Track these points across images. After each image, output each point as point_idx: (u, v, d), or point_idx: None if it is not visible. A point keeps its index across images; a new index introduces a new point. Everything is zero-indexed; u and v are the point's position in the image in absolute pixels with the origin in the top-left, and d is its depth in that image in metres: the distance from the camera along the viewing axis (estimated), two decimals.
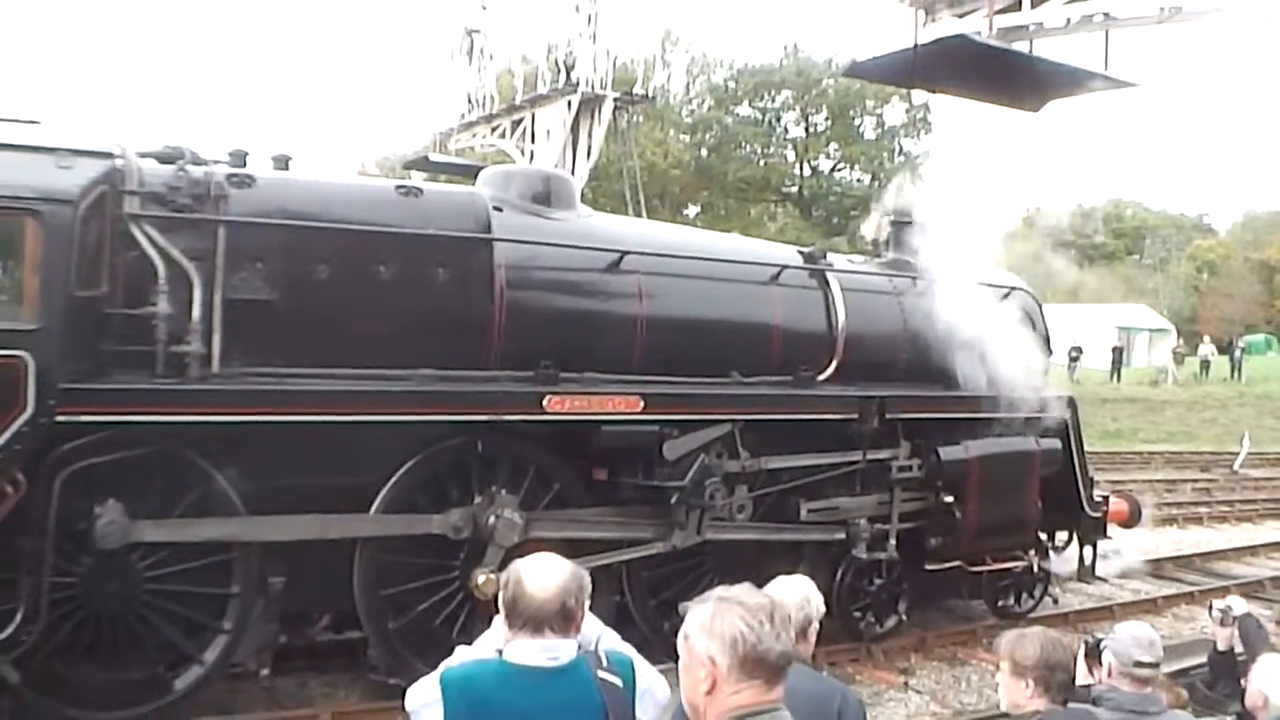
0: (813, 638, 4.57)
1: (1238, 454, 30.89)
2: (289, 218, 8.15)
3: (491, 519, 8.55)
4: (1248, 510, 23.51)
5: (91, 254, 7.25)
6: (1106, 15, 11.00)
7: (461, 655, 3.81)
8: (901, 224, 12.69)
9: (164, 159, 8.00)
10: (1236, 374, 49.69)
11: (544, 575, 3.57)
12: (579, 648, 3.60)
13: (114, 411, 7.23)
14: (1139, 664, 4.79)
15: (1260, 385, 47.80)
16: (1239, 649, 6.88)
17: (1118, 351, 48.24)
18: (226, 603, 7.98)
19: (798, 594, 4.53)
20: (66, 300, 7.03)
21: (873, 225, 12.96)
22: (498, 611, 3.67)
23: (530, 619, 3.52)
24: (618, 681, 3.50)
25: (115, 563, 7.46)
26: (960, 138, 11.72)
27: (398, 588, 8.55)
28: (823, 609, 4.63)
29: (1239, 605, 7.09)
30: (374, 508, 8.34)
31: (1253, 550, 18.62)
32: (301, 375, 7.90)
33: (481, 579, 8.40)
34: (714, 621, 2.75)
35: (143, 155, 7.91)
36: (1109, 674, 4.89)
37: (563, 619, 3.53)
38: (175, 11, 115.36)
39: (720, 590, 2.87)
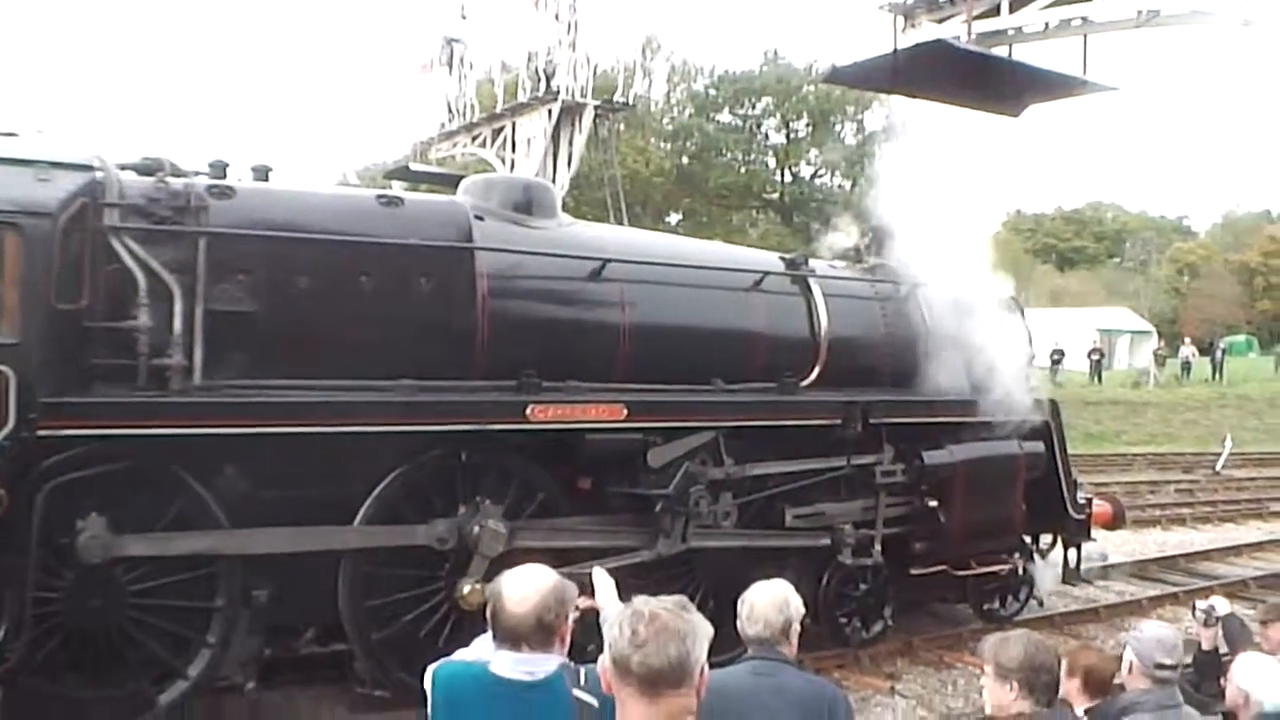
0: (795, 640, 4.57)
1: (1220, 455, 31.01)
2: (270, 229, 8.13)
3: (476, 529, 8.52)
4: (1230, 510, 23.59)
5: (72, 267, 7.22)
6: (1085, 20, 11.08)
7: (462, 654, 3.84)
8: (883, 228, 12.71)
9: (144, 171, 7.98)
10: (1218, 375, 49.94)
11: (522, 590, 3.56)
12: (561, 662, 3.59)
13: (96, 425, 7.19)
14: (1160, 665, 4.94)
15: (1241, 386, 48.09)
16: (1223, 649, 6.89)
17: (1097, 354, 48.38)
18: (211, 616, 7.94)
19: (775, 598, 4.54)
20: (47, 314, 7.01)
21: (838, 238, 12.94)
22: (485, 621, 3.68)
23: (508, 633, 3.54)
24: (593, 701, 3.48)
25: (99, 577, 7.42)
26: (941, 142, 11.74)
27: (383, 599, 8.52)
28: (802, 610, 4.63)
29: (1222, 606, 7.11)
30: (358, 519, 8.31)
31: (1236, 550, 18.71)
32: (284, 387, 7.86)
33: (467, 590, 8.37)
34: (610, 625, 2.80)
35: (122, 167, 7.90)
36: (1129, 671, 4.99)
37: (540, 634, 3.52)
38: (154, 22, 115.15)
39: (642, 597, 2.87)
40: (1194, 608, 7.39)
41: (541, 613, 3.52)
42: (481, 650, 3.76)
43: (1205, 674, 6.50)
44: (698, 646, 2.76)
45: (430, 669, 3.73)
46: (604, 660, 2.79)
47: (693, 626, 2.78)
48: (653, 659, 2.68)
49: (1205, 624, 7.10)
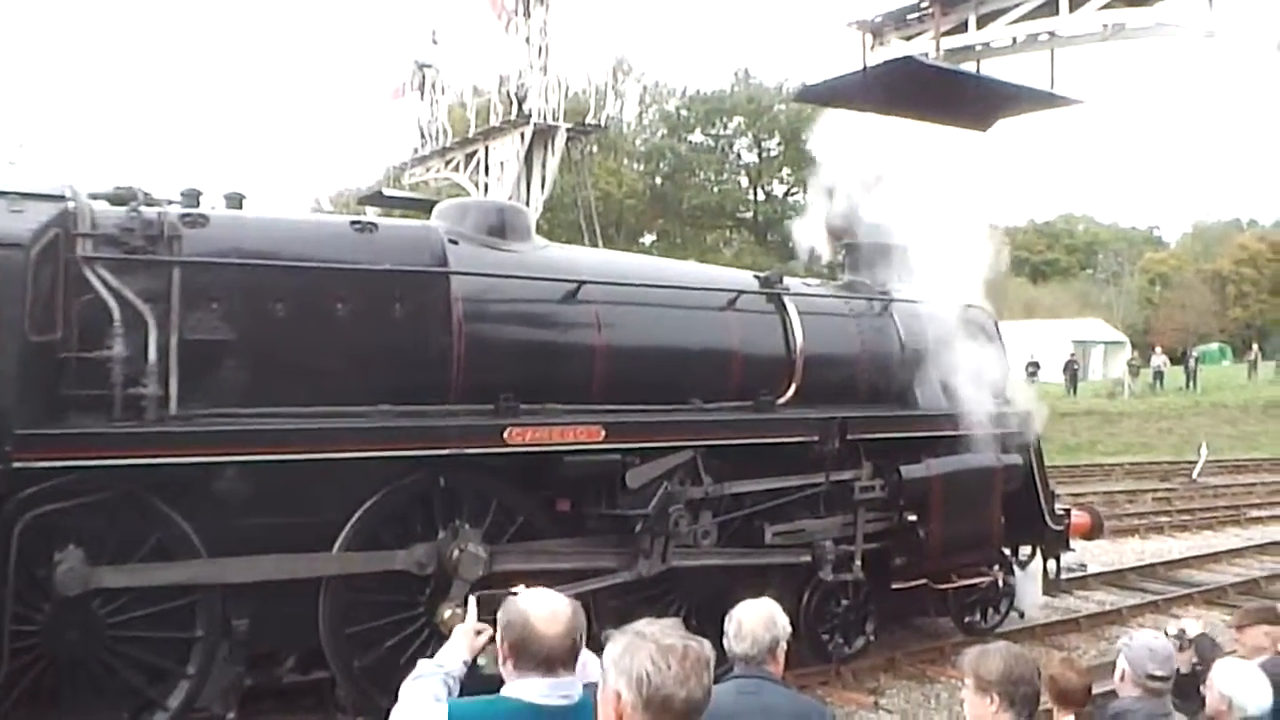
0: (781, 658, 4.58)
1: (1196, 463, 31.18)
2: (244, 256, 8.10)
3: (455, 553, 8.49)
4: (1208, 518, 23.74)
5: (45, 298, 7.18)
6: (1051, 34, 11.14)
7: (424, 668, 3.75)
8: (856, 245, 12.78)
9: (116, 200, 7.96)
10: (1192, 384, 50.22)
11: (552, 613, 3.46)
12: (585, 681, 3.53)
13: (71, 456, 7.13)
14: (1151, 676, 5.02)
15: (1215, 394, 48.38)
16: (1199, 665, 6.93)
17: (1072, 365, 48.58)
18: (190, 647, 7.89)
19: (763, 616, 4.55)
20: (21, 345, 6.97)
21: (807, 247, 12.98)
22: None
23: (544, 659, 3.41)
24: None
25: (76, 609, 7.37)
26: (915, 157, 11.80)
27: (363, 625, 8.48)
28: (789, 629, 4.64)
29: (1193, 627, 7.13)
30: (337, 545, 8.27)
31: (1214, 557, 18.82)
32: (261, 414, 7.83)
33: (448, 614, 8.33)
34: (624, 657, 2.74)
35: (94, 197, 7.88)
36: (1121, 679, 5.01)
37: (572, 656, 3.44)
38: (124, 49, 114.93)
39: (642, 624, 2.84)
40: (1165, 632, 7.42)
41: (574, 634, 3.44)
42: (450, 664, 3.74)
43: (1185, 694, 6.53)
44: (712, 670, 2.77)
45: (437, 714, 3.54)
46: (623, 695, 2.72)
47: (708, 650, 2.78)
48: (695, 692, 2.69)
49: (1180, 648, 7.13)
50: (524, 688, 3.40)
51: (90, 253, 7.50)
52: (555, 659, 3.40)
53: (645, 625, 2.83)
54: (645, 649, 2.72)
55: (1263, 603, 10.31)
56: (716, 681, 4.17)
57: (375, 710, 8.34)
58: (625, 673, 2.71)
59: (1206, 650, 6.99)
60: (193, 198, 8.39)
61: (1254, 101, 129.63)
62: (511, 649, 3.45)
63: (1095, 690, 5.18)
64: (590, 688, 3.44)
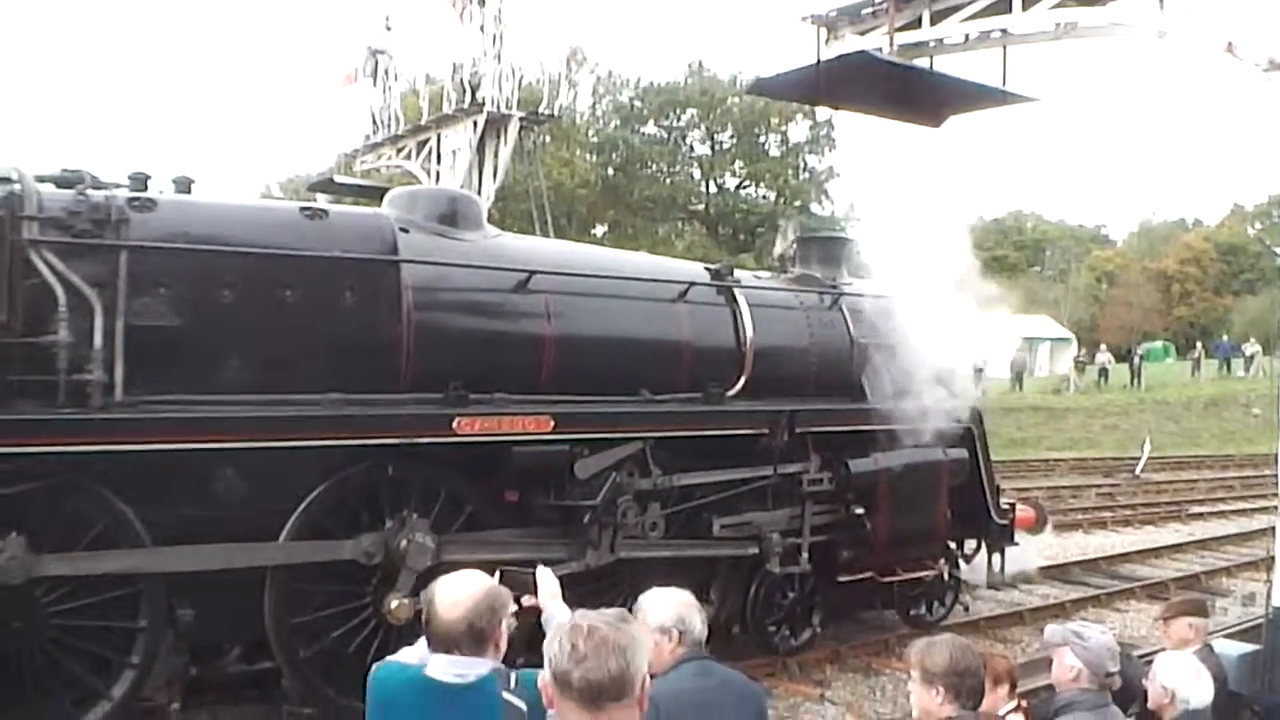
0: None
1: (1139, 459, 31.54)
2: (192, 242, 8.02)
3: (403, 543, 8.45)
4: (1150, 513, 24.04)
5: None
6: (1004, 31, 11.20)
7: (405, 654, 3.88)
8: (808, 239, 12.83)
9: (63, 183, 7.85)
10: (1136, 381, 50.77)
11: (454, 596, 3.64)
12: (494, 666, 3.63)
13: (14, 443, 7.03)
14: (1109, 674, 5.06)
15: (1159, 391, 48.99)
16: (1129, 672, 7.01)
17: (1018, 361, 48.92)
18: (134, 636, 7.81)
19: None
20: None
21: (780, 243, 13.08)
22: (414, 634, 3.71)
23: (441, 638, 3.61)
24: (521, 704, 3.53)
25: (18, 598, 7.27)
26: (865, 153, 11.86)
27: (310, 616, 8.42)
28: (695, 607, 4.61)
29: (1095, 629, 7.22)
30: (283, 535, 8.21)
31: (1156, 552, 19.10)
32: (208, 402, 7.76)
33: (394, 604, 8.31)
34: (549, 638, 2.84)
35: (40, 180, 7.76)
36: (1076, 679, 5.04)
37: (472, 639, 3.60)
38: (72, 31, 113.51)
39: (583, 610, 2.92)
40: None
41: (473, 618, 3.59)
42: (422, 652, 3.80)
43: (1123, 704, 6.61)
44: (638, 658, 2.78)
45: (372, 669, 3.79)
46: (544, 674, 2.82)
47: (632, 639, 2.80)
48: (593, 673, 2.70)
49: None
50: (430, 662, 3.63)
51: (36, 236, 7.38)
52: (452, 639, 3.60)
53: (581, 611, 2.88)
54: (560, 631, 2.80)
55: (1187, 595, 10.49)
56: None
57: (321, 700, 8.32)
58: (547, 654, 2.81)
59: (1130, 666, 7.09)
60: (141, 182, 8.28)
61: (1202, 102, 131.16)
62: (424, 625, 3.71)
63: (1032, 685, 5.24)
64: (499, 671, 3.56)
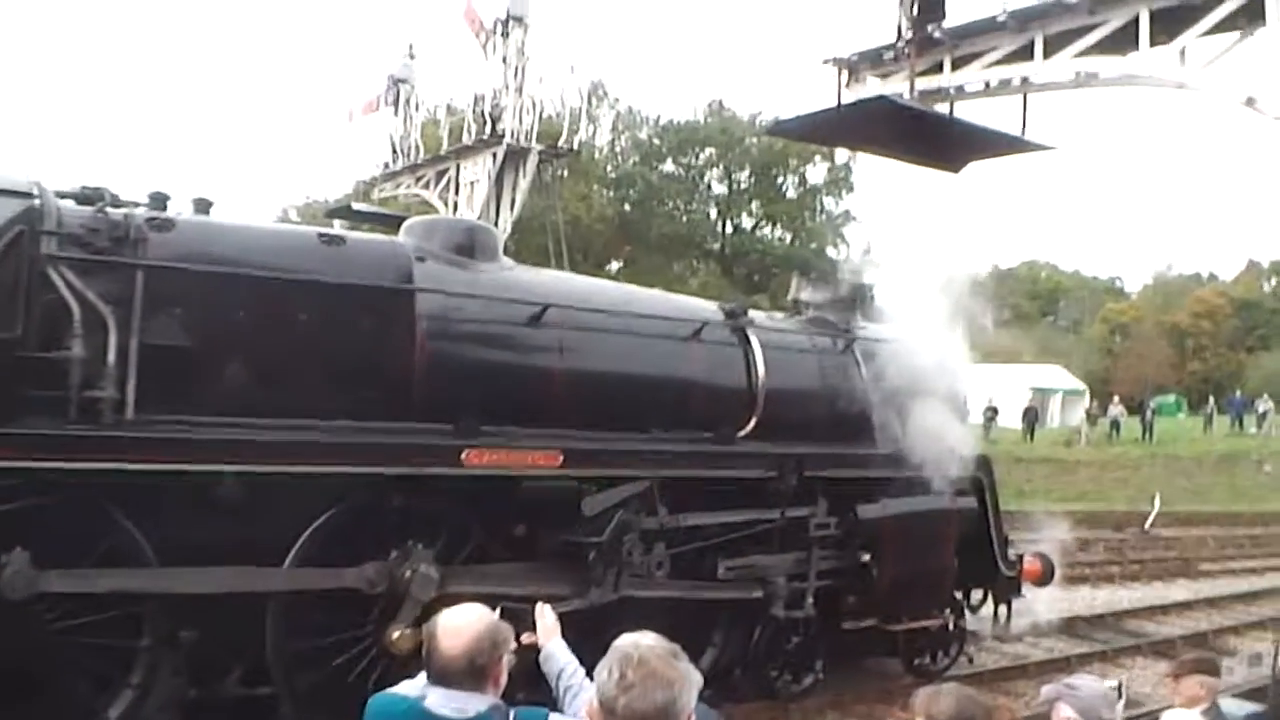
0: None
1: (1149, 513, 31.38)
2: (209, 263, 8.03)
3: (407, 573, 8.41)
4: (1158, 569, 23.88)
5: (6, 295, 7.07)
6: (1024, 80, 11.24)
7: (406, 687, 3.83)
8: (823, 281, 12.82)
9: (83, 200, 7.87)
10: (1148, 435, 50.55)
11: (456, 631, 3.61)
12: (492, 703, 3.60)
13: (23, 458, 7.01)
14: None
15: (1170, 445, 48.75)
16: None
17: (1031, 412, 48.77)
18: (135, 656, 7.78)
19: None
20: None
21: (794, 289, 13.07)
22: (415, 665, 3.69)
23: (441, 672, 3.58)
24: None
25: (20, 614, 7.23)
26: (883, 198, 11.90)
27: (310, 643, 8.37)
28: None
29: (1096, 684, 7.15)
30: (288, 561, 8.18)
31: (1164, 609, 18.95)
32: (218, 424, 7.74)
33: (396, 635, 8.27)
34: (600, 664, 2.86)
35: (61, 195, 7.78)
36: None
37: (471, 675, 3.57)
38: (96, 50, 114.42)
39: (633, 635, 2.94)
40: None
41: (474, 654, 3.56)
42: (422, 684, 3.77)
43: None
44: (685, 695, 2.77)
45: (370, 699, 3.76)
46: (591, 701, 2.82)
47: (681, 674, 2.79)
48: (637, 703, 2.70)
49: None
50: (430, 695, 3.59)
51: (54, 251, 7.39)
52: (449, 673, 3.57)
53: (631, 638, 2.87)
54: (611, 658, 2.81)
55: (1199, 653, 10.40)
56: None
57: None
58: (596, 681, 2.82)
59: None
60: (160, 201, 8.30)
61: (1220, 156, 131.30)
62: (425, 658, 3.67)
63: None
64: (498, 708, 3.53)
